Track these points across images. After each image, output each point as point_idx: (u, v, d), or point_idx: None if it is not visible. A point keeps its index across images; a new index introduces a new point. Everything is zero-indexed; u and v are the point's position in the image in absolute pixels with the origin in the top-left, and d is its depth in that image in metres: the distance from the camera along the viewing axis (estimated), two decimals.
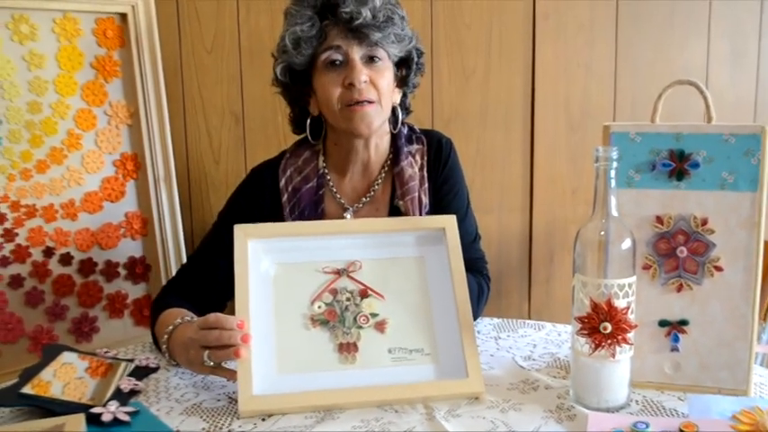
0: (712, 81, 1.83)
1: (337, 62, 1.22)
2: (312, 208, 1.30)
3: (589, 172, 1.83)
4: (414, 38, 1.29)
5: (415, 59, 1.31)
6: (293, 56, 1.23)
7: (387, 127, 1.32)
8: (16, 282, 1.30)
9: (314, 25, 1.21)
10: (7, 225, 1.30)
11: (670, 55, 1.83)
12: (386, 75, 1.24)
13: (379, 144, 1.32)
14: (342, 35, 1.20)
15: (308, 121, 1.31)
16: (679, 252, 1.01)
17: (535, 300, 1.89)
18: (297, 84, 1.29)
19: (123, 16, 1.45)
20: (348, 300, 1.08)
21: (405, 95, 1.34)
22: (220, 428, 0.94)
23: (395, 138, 1.34)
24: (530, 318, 1.87)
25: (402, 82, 1.31)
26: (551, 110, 1.82)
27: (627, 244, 0.96)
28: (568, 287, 1.86)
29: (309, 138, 1.32)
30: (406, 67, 1.31)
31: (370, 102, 1.22)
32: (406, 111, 1.37)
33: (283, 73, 1.28)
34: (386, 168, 1.33)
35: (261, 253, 1.10)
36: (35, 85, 1.34)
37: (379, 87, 1.22)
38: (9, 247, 1.30)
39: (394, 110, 1.31)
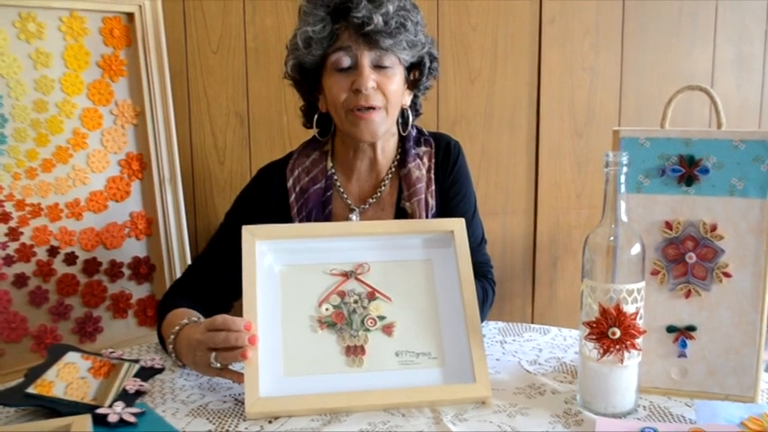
0: (718, 86, 1.83)
1: (346, 65, 1.21)
2: (320, 209, 1.29)
3: (593, 176, 1.86)
4: (427, 43, 1.28)
5: (428, 64, 1.30)
6: (304, 55, 1.23)
7: (394, 129, 1.32)
8: (20, 281, 1.30)
9: (325, 27, 1.20)
10: (12, 224, 1.29)
11: (676, 60, 1.83)
12: (395, 80, 1.23)
13: (385, 146, 1.32)
14: (353, 39, 1.20)
15: (316, 116, 1.31)
16: (688, 258, 1.01)
17: (538, 303, 1.89)
18: (307, 81, 1.29)
19: (130, 16, 1.45)
20: (356, 302, 1.08)
21: (416, 97, 1.34)
22: (227, 430, 0.94)
23: (403, 139, 1.34)
24: (533, 321, 1.87)
25: (413, 85, 1.31)
26: (556, 113, 1.83)
27: (636, 249, 0.96)
28: (572, 291, 1.89)
29: (317, 135, 1.32)
30: (418, 71, 1.30)
31: (375, 108, 1.21)
32: (416, 113, 1.36)
33: (294, 69, 1.28)
34: (393, 169, 1.33)
35: (269, 254, 1.09)
36: (41, 83, 1.33)
37: (386, 93, 1.22)
38: (14, 245, 1.29)
39: (404, 111, 1.31)
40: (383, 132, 1.26)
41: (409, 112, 1.32)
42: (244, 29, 1.71)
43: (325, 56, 1.23)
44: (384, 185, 1.32)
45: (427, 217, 1.29)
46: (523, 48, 1.80)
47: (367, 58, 1.20)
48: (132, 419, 0.95)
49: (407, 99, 1.31)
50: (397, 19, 1.19)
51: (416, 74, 1.30)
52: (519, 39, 1.79)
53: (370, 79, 1.19)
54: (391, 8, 1.18)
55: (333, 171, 1.33)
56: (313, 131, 1.33)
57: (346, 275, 1.10)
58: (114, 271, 1.43)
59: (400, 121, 1.32)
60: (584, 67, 1.82)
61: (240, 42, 1.72)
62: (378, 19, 1.16)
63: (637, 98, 1.84)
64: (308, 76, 1.28)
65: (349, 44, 1.20)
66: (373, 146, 1.30)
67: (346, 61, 1.21)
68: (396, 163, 1.34)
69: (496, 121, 1.82)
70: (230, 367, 1.05)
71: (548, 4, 1.78)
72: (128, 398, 1.02)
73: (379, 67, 1.21)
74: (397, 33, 1.19)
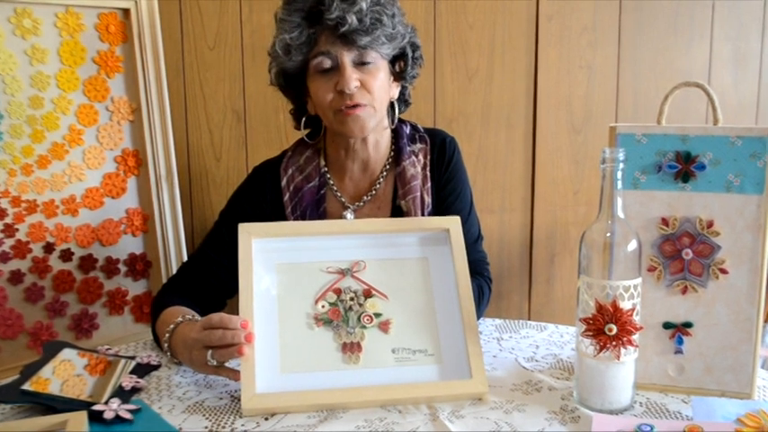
0: (715, 83, 1.84)
1: (328, 67, 1.20)
2: (314, 207, 1.29)
3: (590, 173, 1.86)
4: (407, 34, 1.26)
5: (411, 54, 1.28)
6: (285, 62, 1.23)
7: (386, 122, 1.31)
8: (16, 277, 1.30)
9: (302, 32, 1.19)
10: (8, 220, 1.29)
11: (673, 57, 1.83)
12: (378, 76, 1.22)
13: (378, 141, 1.31)
14: (330, 41, 1.19)
15: (304, 119, 1.32)
16: (684, 254, 1.01)
17: (535, 300, 1.89)
18: (292, 86, 1.29)
19: (126, 11, 1.44)
20: (352, 299, 1.08)
21: (404, 88, 1.33)
22: (223, 427, 0.94)
23: (397, 137, 1.33)
24: (530, 318, 1.87)
25: (399, 76, 1.29)
26: (554, 111, 1.82)
27: (632, 245, 0.96)
28: (569, 288, 1.89)
29: (306, 138, 1.32)
30: (402, 62, 1.28)
31: (361, 105, 1.20)
32: (406, 103, 1.35)
33: (278, 76, 1.28)
34: (387, 167, 1.33)
35: (265, 252, 1.09)
36: (37, 79, 1.33)
37: (371, 90, 1.20)
38: (9, 242, 1.29)
39: (393, 104, 1.30)
40: (373, 127, 1.25)
41: (396, 104, 1.31)
42: (240, 25, 1.71)
43: (306, 61, 1.22)
44: (379, 184, 1.32)
45: (423, 214, 1.28)
46: (521, 45, 1.80)
47: (347, 58, 1.19)
48: (128, 416, 0.95)
49: (395, 91, 1.30)
50: (371, 15, 1.17)
51: (401, 65, 1.28)
52: (516, 36, 1.79)
53: (352, 79, 1.18)
54: (364, 5, 1.16)
55: (326, 169, 1.33)
56: (303, 133, 1.33)
57: (342, 273, 1.09)
58: (110, 267, 1.42)
59: (390, 113, 1.31)
60: (582, 64, 1.82)
61: (237, 39, 1.71)
62: (351, 18, 1.15)
63: (634, 95, 1.84)
64: (292, 82, 1.27)
65: (328, 47, 1.19)
66: (365, 142, 1.29)
67: (327, 63, 1.20)
68: (389, 160, 1.33)
69: (494, 119, 1.81)
70: (227, 365, 1.04)
71: (545, 2, 1.77)
72: (124, 395, 1.02)
73: (361, 64, 1.20)
74: (373, 30, 1.17)
